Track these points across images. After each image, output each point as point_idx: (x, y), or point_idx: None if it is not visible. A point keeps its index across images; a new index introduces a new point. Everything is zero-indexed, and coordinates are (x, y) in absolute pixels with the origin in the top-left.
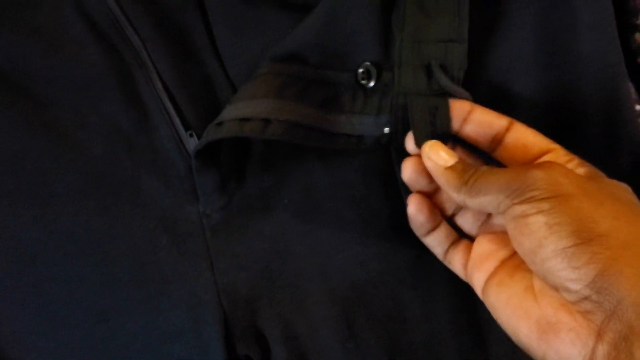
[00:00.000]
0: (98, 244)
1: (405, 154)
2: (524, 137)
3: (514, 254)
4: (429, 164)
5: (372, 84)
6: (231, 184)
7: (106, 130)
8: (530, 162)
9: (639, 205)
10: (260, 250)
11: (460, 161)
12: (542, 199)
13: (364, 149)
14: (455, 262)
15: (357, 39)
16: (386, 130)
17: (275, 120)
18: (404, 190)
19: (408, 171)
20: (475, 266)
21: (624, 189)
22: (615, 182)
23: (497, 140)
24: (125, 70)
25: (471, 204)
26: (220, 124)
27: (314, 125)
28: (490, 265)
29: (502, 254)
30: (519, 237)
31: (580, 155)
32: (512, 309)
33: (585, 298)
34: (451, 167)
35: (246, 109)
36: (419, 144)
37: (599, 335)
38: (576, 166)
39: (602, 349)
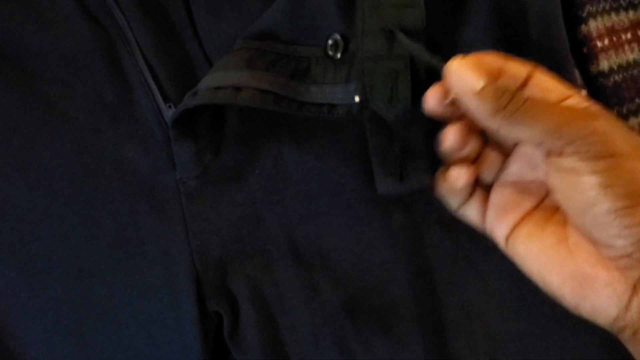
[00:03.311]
0: (81, 206)
1: (378, 123)
2: (543, 82)
3: (538, 205)
4: (457, 84)
5: (339, 55)
6: (207, 155)
7: (91, 102)
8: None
9: None
10: (232, 216)
11: (492, 83)
12: (597, 157)
13: (336, 119)
14: (471, 213)
15: (323, 14)
16: (356, 98)
17: (245, 87)
18: (376, 161)
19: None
20: (497, 217)
21: None
22: None
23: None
24: (110, 46)
25: (506, 132)
26: (195, 93)
27: (283, 93)
28: (513, 216)
29: (525, 205)
30: (568, 192)
31: None
32: (544, 261)
33: (628, 255)
34: (482, 89)
35: (219, 80)
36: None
37: (635, 290)
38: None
39: (636, 302)
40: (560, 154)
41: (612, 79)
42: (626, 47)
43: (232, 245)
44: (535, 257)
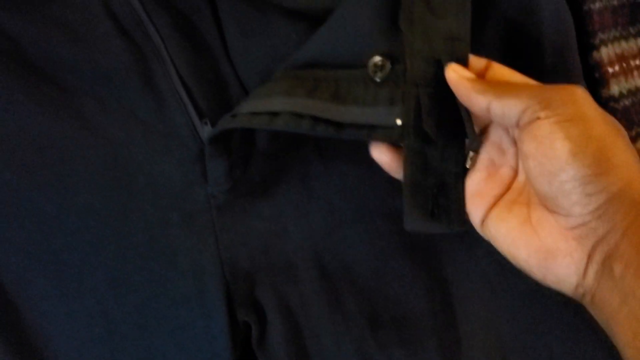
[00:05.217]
0: (114, 218)
1: (415, 152)
2: (500, 74)
3: (506, 191)
4: (451, 76)
5: (379, 78)
6: (237, 171)
7: (125, 117)
8: None
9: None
10: (260, 229)
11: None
12: (570, 119)
13: (373, 141)
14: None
15: (364, 35)
16: (398, 121)
17: (281, 112)
18: (408, 191)
19: None
20: (472, 204)
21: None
22: None
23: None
24: (145, 64)
25: (496, 106)
26: (234, 116)
27: (322, 116)
28: (486, 202)
29: (495, 191)
30: (540, 159)
31: None
32: (511, 239)
33: (584, 224)
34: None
35: (258, 106)
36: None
37: (590, 258)
38: None
39: (592, 268)
40: (538, 118)
41: (622, 103)
42: (635, 72)
43: (259, 257)
44: (504, 237)
